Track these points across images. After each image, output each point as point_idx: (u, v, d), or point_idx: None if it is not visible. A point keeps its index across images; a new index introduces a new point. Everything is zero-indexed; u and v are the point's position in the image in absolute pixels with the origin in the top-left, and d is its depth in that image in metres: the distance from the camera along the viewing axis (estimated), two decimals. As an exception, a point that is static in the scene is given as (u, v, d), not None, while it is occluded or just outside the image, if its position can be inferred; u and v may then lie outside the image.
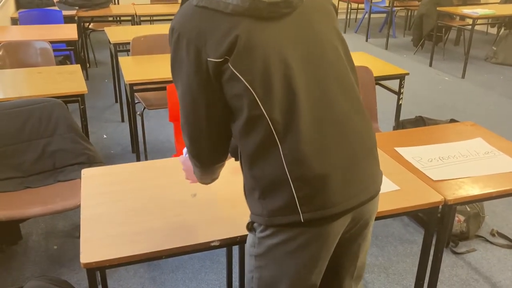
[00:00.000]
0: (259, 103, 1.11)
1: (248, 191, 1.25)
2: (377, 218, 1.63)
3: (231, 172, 1.82)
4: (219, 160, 1.30)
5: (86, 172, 1.81)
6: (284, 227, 1.20)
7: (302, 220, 1.17)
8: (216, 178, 1.41)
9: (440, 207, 1.70)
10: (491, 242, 2.71)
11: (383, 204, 1.63)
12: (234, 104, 1.14)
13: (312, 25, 1.18)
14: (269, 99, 1.11)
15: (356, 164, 1.21)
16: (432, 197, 1.68)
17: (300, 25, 1.16)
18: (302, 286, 1.29)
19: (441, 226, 1.76)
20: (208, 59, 1.10)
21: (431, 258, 1.86)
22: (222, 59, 1.09)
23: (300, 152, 1.13)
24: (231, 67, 1.09)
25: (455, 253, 2.62)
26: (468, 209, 2.68)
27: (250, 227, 1.30)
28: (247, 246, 1.34)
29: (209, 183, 1.42)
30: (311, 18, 1.18)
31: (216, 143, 1.24)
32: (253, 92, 1.10)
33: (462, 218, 2.67)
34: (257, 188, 1.20)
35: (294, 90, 1.12)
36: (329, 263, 1.35)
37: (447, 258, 2.57)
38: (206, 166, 1.30)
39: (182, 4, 1.18)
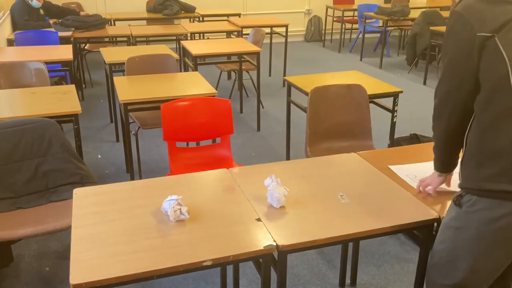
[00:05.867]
0: (510, 77, 1.27)
1: (466, 160, 1.41)
2: (372, 236, 1.62)
3: (224, 190, 1.81)
4: (453, 135, 1.50)
5: (77, 192, 1.79)
6: (493, 199, 1.33)
7: None
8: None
9: (435, 224, 1.69)
10: (488, 260, 2.69)
11: (377, 222, 1.62)
12: (486, 75, 1.33)
13: None
14: None
15: None
16: (427, 214, 1.67)
17: None
18: (485, 269, 1.39)
19: (437, 244, 1.74)
20: (478, 34, 1.32)
21: (427, 276, 1.83)
22: (491, 35, 1.30)
23: None
24: (497, 41, 1.29)
25: (452, 271, 2.59)
26: (465, 226, 2.66)
27: (458, 201, 1.42)
28: (446, 219, 1.52)
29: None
30: None
31: (457, 113, 1.45)
32: (509, 66, 1.27)
33: (458, 235, 2.64)
34: (477, 156, 1.36)
35: None
36: None
37: (444, 277, 2.54)
38: (442, 134, 1.53)
39: None
